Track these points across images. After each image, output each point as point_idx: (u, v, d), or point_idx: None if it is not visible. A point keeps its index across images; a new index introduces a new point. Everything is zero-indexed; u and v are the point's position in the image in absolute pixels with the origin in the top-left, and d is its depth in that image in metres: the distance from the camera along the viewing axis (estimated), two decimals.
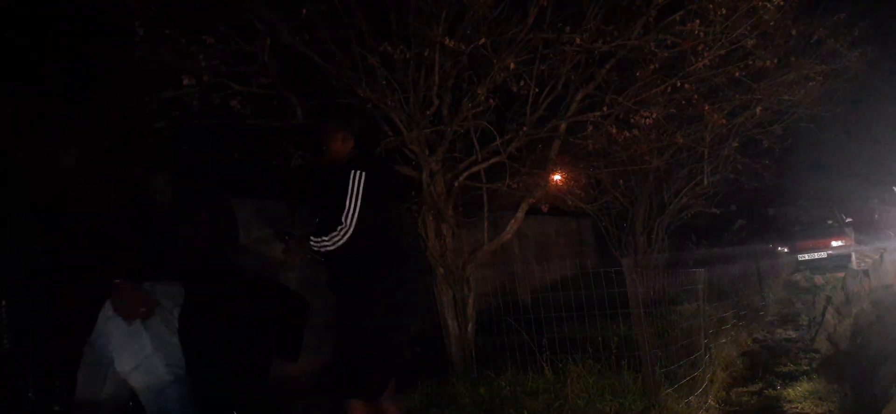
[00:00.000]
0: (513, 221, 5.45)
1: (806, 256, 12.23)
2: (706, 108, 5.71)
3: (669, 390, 4.05)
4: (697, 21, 4.83)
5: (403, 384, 3.09)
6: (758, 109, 6.48)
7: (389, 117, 4.85)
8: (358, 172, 2.80)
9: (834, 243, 12.22)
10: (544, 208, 6.15)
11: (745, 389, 4.78)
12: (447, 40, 4.45)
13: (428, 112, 4.88)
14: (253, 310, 2.86)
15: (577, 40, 4.72)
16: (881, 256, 7.58)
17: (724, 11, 4.82)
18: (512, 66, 4.72)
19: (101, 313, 2.48)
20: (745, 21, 4.94)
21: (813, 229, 12.74)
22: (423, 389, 4.51)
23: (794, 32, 5.92)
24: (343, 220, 2.76)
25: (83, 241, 2.46)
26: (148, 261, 2.57)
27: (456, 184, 5.14)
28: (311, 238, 2.83)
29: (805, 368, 5.36)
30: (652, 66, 5.13)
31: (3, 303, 2.77)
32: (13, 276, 2.60)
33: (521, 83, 4.99)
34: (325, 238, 2.79)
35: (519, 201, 5.48)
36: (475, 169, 5.16)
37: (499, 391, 4.23)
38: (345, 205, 2.77)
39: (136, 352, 2.44)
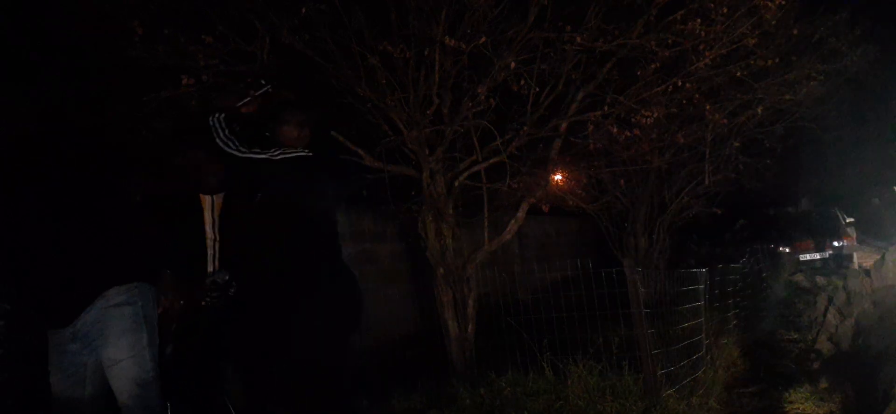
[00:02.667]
0: (513, 221, 5.43)
1: (807, 256, 12.20)
2: (707, 107, 5.68)
3: (671, 391, 4.04)
4: (698, 20, 4.80)
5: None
6: (759, 109, 6.44)
7: (389, 117, 4.84)
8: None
9: (835, 243, 12.19)
10: (545, 208, 6.13)
11: (746, 390, 4.76)
12: (447, 39, 4.43)
13: (428, 112, 4.86)
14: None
15: (578, 39, 4.70)
16: (883, 256, 7.54)
17: (725, 10, 4.80)
18: (512, 65, 4.70)
19: (97, 303, 2.46)
20: (746, 20, 4.91)
21: (814, 229, 12.70)
22: (423, 389, 4.49)
23: (795, 32, 5.89)
24: None
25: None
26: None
27: (456, 184, 5.12)
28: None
29: (806, 368, 5.34)
30: (653, 66, 5.11)
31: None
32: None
33: (522, 82, 4.96)
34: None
35: (519, 201, 5.46)
36: (475, 169, 5.15)
37: (499, 392, 4.21)
38: None
39: (134, 342, 2.46)
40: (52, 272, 2.43)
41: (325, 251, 2.81)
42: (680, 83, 5.21)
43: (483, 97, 4.71)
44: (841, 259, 11.78)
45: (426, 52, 4.58)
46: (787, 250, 12.47)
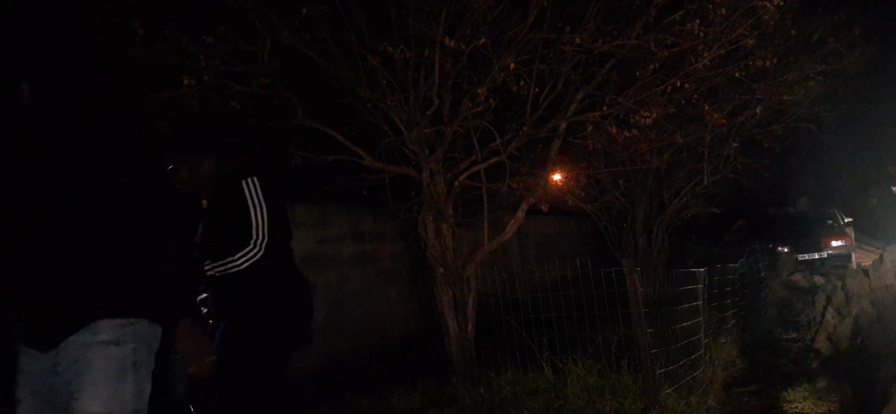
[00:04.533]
0: (513, 220, 5.45)
1: (805, 256, 12.20)
2: (706, 108, 5.70)
3: (669, 391, 4.05)
4: (697, 21, 4.82)
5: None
6: (758, 109, 6.47)
7: (389, 117, 4.85)
8: (251, 180, 2.56)
9: (834, 243, 12.20)
10: (544, 208, 6.15)
11: (745, 389, 4.77)
12: (447, 40, 4.45)
13: (428, 112, 4.87)
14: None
15: (577, 40, 4.71)
16: (881, 256, 7.57)
17: (723, 11, 4.82)
18: (512, 65, 4.72)
19: (80, 333, 1.86)
20: (744, 21, 4.93)
21: (813, 229, 12.72)
22: (423, 389, 4.51)
23: (793, 32, 5.91)
24: (254, 234, 2.51)
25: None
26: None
27: (456, 184, 5.14)
28: (213, 264, 2.56)
29: (805, 367, 5.36)
30: (652, 66, 5.13)
31: None
32: None
33: (521, 83, 4.98)
34: (235, 258, 2.51)
35: (519, 201, 5.48)
36: (475, 169, 5.16)
37: (499, 391, 4.23)
38: (250, 218, 2.52)
39: (114, 395, 1.87)
40: (38, 285, 1.89)
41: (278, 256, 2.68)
42: (679, 84, 5.23)
43: (483, 98, 4.73)
44: (839, 259, 11.79)
45: (426, 53, 4.60)
46: (786, 250, 12.48)
